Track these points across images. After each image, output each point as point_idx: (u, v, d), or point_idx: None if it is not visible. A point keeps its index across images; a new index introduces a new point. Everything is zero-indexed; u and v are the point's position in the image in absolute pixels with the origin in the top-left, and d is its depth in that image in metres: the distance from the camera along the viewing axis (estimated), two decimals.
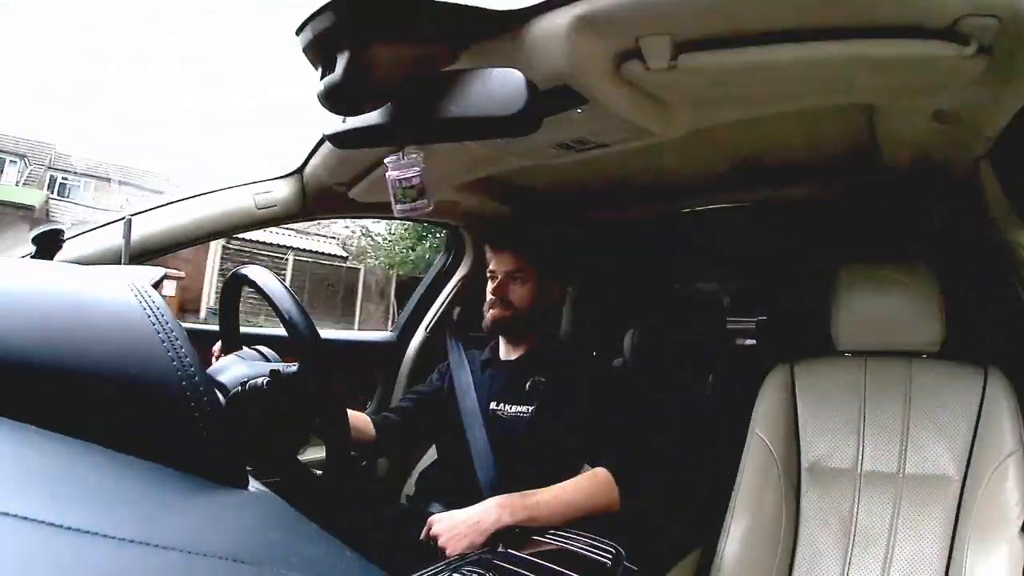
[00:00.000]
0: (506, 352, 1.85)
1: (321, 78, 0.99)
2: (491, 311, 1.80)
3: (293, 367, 1.22)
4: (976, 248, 1.74)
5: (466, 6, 1.01)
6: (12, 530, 0.31)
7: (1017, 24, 0.96)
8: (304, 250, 14.77)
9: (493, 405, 1.75)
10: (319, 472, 1.31)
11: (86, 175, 18.24)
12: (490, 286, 1.81)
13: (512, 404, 1.72)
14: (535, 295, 1.79)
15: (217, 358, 1.43)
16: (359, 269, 14.79)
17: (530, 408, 1.69)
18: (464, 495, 1.55)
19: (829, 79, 1.19)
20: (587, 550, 1.40)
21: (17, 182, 17.06)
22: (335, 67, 0.96)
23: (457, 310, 2.46)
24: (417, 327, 2.46)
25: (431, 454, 1.97)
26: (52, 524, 0.32)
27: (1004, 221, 1.47)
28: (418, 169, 1.15)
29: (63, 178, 18.15)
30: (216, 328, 1.49)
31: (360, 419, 1.77)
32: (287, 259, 14.24)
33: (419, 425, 1.88)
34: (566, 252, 1.96)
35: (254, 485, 0.52)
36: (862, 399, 1.70)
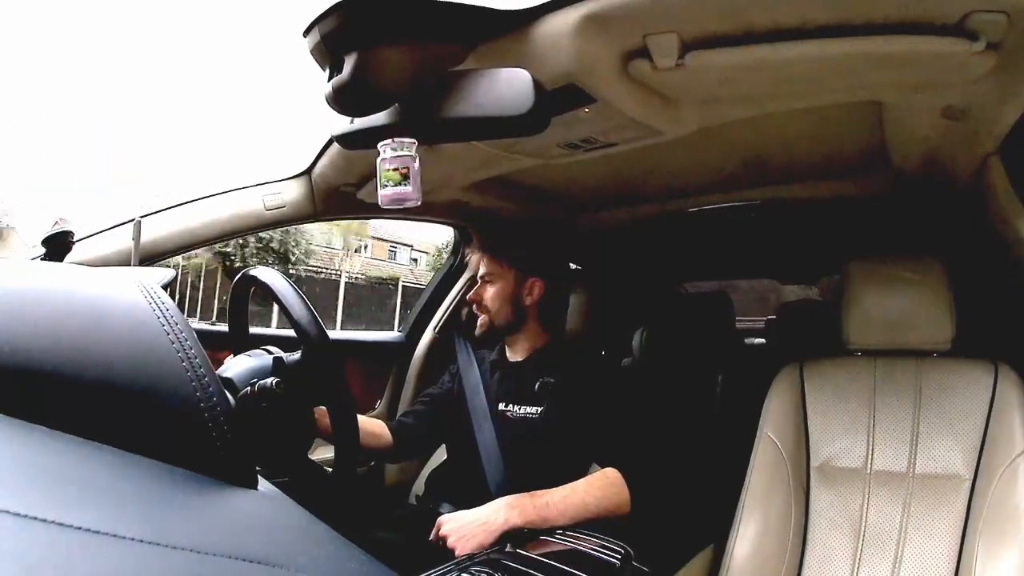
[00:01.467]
0: (512, 353, 1.85)
1: (329, 79, 1.00)
2: (477, 318, 1.82)
3: (296, 355, 1.23)
4: (986, 245, 1.73)
5: (473, 6, 1.01)
6: (21, 530, 0.31)
7: None
8: None
9: (502, 406, 1.75)
10: (329, 469, 1.31)
11: None
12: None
13: (521, 405, 1.72)
14: (507, 294, 1.79)
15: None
16: None
17: (539, 409, 1.69)
18: (473, 495, 1.55)
19: (837, 76, 1.19)
20: (596, 550, 1.39)
21: None
22: (342, 68, 0.96)
23: (465, 310, 2.46)
24: (426, 327, 2.47)
25: (440, 454, 1.98)
26: (61, 524, 0.32)
27: (1013, 217, 1.46)
28: (404, 155, 1.11)
29: None
30: (225, 328, 1.50)
31: (376, 425, 1.78)
32: None
33: (434, 429, 1.88)
34: (545, 244, 1.95)
35: (263, 485, 0.52)
36: (872, 398, 1.70)
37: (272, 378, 1.20)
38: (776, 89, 1.25)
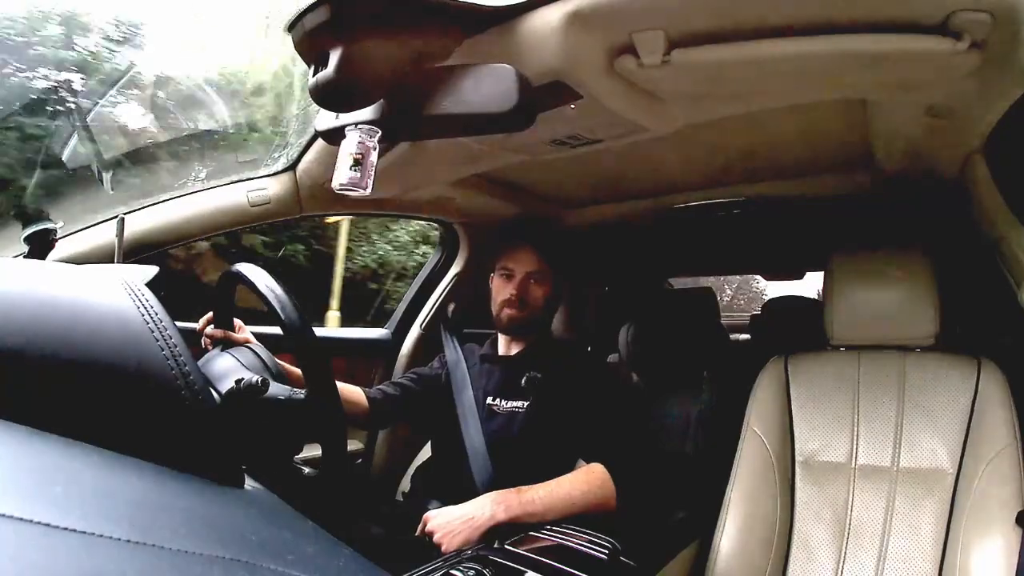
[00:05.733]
0: (505, 348, 1.86)
1: (314, 74, 0.99)
2: (507, 310, 1.79)
3: (301, 394, 1.21)
4: (969, 241, 1.75)
5: (459, 2, 1.01)
6: (7, 530, 0.31)
7: (1010, 19, 0.97)
8: None
9: (489, 400, 1.75)
10: (315, 471, 1.31)
11: None
12: (502, 283, 1.82)
13: (508, 399, 1.72)
14: (550, 296, 1.81)
15: (208, 340, 1.43)
16: None
17: (526, 403, 1.69)
18: (460, 491, 1.54)
19: (822, 74, 1.19)
20: (584, 545, 1.39)
21: None
22: (328, 63, 0.96)
23: (452, 306, 2.46)
24: (412, 324, 2.46)
25: (427, 450, 1.97)
26: (47, 524, 0.32)
27: (996, 214, 1.48)
28: (362, 141, 1.11)
29: None
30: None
31: (352, 391, 1.77)
32: None
33: (414, 404, 1.87)
34: (579, 251, 1.96)
35: (250, 483, 0.52)
36: (856, 393, 1.71)
37: (257, 375, 1.19)
38: (762, 87, 1.26)
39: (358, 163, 1.09)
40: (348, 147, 1.09)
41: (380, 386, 1.89)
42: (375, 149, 1.09)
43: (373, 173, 1.10)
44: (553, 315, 1.88)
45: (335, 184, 1.11)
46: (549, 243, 1.85)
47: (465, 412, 1.73)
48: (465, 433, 1.70)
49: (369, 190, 1.11)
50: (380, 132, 1.10)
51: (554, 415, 1.66)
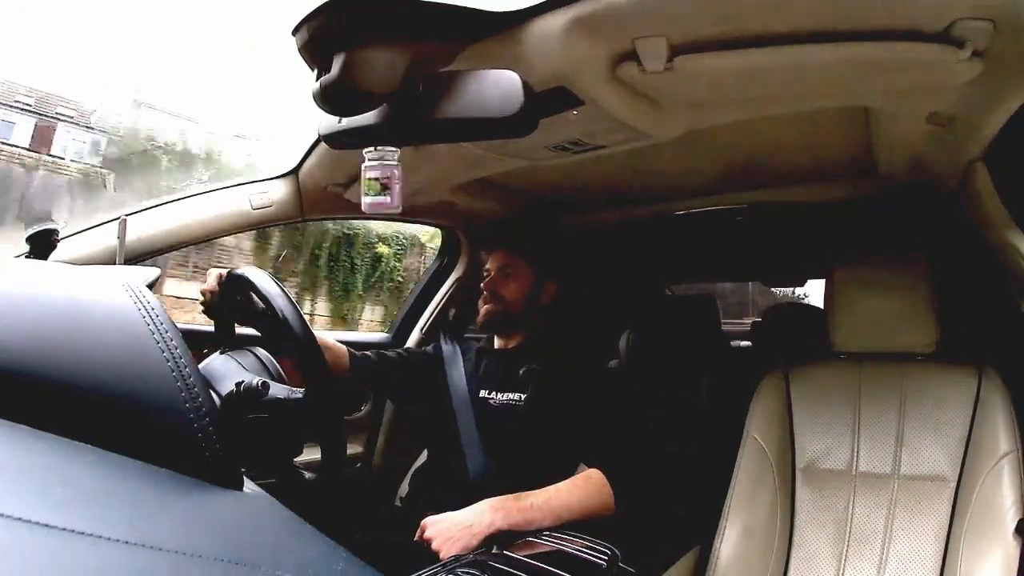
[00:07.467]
0: (502, 343, 1.86)
1: (317, 78, 0.99)
2: (483, 307, 1.82)
3: (299, 393, 1.21)
4: (971, 249, 1.75)
5: (462, 7, 1.01)
6: (6, 531, 0.31)
7: (1011, 28, 0.97)
8: None
9: (484, 393, 1.75)
10: (314, 474, 1.31)
11: None
12: (483, 286, 1.83)
13: (504, 392, 1.71)
14: (526, 290, 1.80)
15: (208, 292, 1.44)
16: None
17: (522, 396, 1.68)
18: (456, 489, 1.54)
19: (824, 82, 1.19)
20: (582, 552, 1.39)
21: None
22: (331, 67, 0.96)
23: (452, 311, 2.46)
24: (412, 328, 2.46)
25: (426, 455, 1.97)
26: (46, 525, 0.32)
27: (998, 222, 1.48)
28: (387, 164, 1.14)
29: None
30: (211, 329, 1.49)
31: (335, 344, 1.78)
32: None
33: (395, 374, 1.88)
34: (561, 250, 1.96)
35: (249, 486, 0.52)
36: (857, 400, 1.71)
37: (257, 378, 1.19)
38: (764, 94, 1.26)
39: (386, 188, 1.13)
40: (371, 173, 1.13)
41: (366, 352, 1.90)
42: (398, 167, 1.12)
43: (400, 191, 1.14)
44: (546, 314, 1.86)
45: (364, 206, 1.15)
46: (525, 241, 1.87)
47: (460, 409, 1.73)
48: (461, 429, 1.69)
49: (400, 209, 1.14)
50: (398, 151, 1.12)
51: (552, 408, 1.65)
